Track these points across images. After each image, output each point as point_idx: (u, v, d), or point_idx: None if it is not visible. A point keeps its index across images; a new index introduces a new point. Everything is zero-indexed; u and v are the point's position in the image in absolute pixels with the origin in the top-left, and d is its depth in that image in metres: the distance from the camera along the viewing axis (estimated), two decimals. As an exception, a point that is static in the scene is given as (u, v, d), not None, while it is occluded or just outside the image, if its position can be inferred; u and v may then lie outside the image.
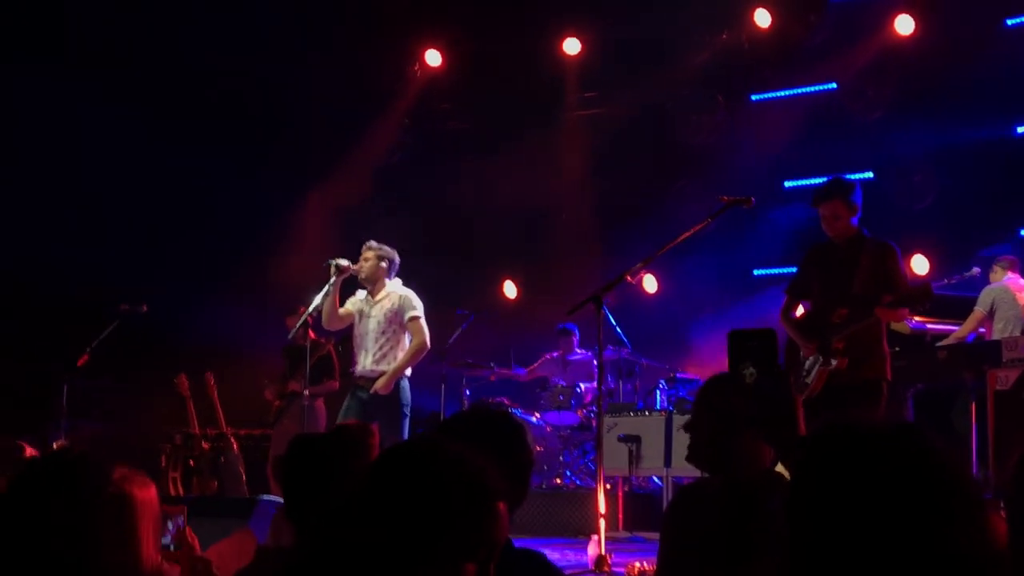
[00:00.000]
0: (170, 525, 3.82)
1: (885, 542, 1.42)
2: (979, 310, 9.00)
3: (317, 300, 8.33)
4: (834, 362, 6.35)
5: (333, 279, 8.27)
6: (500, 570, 2.66)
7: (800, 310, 6.97)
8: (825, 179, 7.13)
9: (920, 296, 6.25)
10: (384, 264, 8.48)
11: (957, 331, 8.45)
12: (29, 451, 4.52)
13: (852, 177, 11.14)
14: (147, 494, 3.46)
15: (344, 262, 8.30)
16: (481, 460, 2.15)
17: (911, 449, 1.49)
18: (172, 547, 3.71)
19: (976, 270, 9.07)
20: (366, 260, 8.47)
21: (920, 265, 10.73)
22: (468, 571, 2.06)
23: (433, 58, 13.14)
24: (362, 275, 8.44)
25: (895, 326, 8.06)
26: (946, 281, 8.99)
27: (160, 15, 11.73)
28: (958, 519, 1.44)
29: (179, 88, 11.89)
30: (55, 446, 8.68)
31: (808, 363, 6.55)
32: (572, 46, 12.70)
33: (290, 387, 9.97)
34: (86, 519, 2.77)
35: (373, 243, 8.60)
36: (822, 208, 6.65)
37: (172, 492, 10.25)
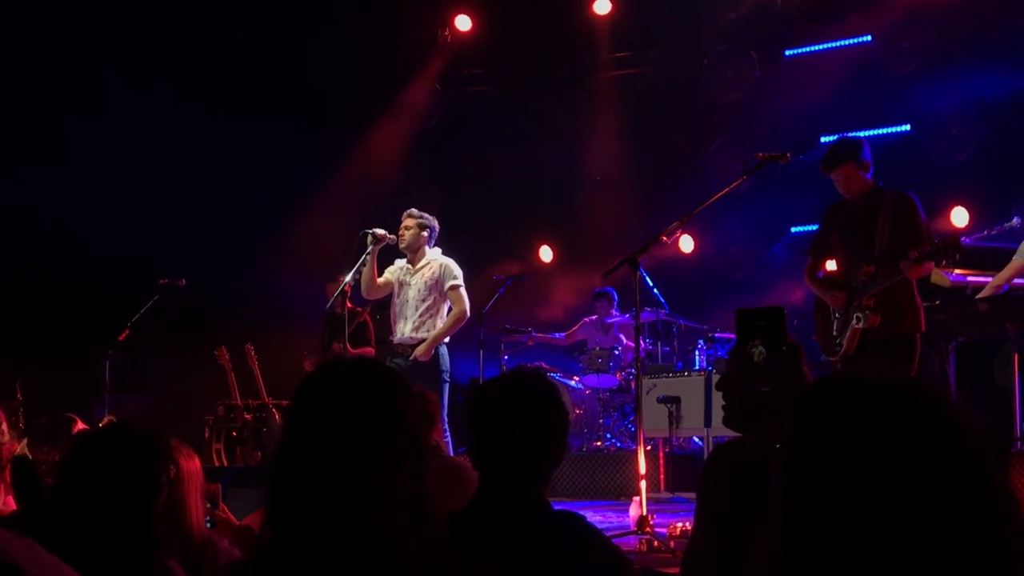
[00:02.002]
0: (208, 503, 3.86)
1: (878, 496, 1.39)
2: (1018, 259, 8.89)
3: (354, 270, 8.35)
4: (863, 321, 6.30)
5: (370, 248, 8.27)
6: (540, 531, 2.68)
7: (832, 265, 6.92)
8: (827, 145, 6.97)
9: (945, 249, 6.16)
10: (425, 233, 8.47)
11: (993, 279, 8.32)
12: (80, 424, 4.56)
13: (889, 131, 11.13)
14: (192, 465, 3.50)
15: (381, 231, 8.29)
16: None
17: (909, 400, 1.45)
18: (209, 526, 3.74)
19: (1016, 220, 8.93)
20: (407, 228, 8.47)
21: (960, 217, 10.61)
22: None
23: (463, 23, 13.07)
24: (403, 244, 8.44)
25: (935, 279, 7.99)
26: (986, 232, 8.87)
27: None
28: (959, 474, 1.40)
29: (212, 59, 11.91)
30: (104, 421, 8.77)
31: (838, 324, 6.51)
32: (603, 6, 12.58)
33: (330, 357, 10.01)
34: (144, 490, 2.81)
35: (414, 211, 8.59)
36: (833, 174, 6.59)
37: (216, 463, 10.36)
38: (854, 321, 6.36)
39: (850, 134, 11.05)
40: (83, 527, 2.67)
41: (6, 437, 4.51)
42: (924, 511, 1.37)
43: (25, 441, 4.14)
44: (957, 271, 8.26)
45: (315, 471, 1.97)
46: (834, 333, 6.54)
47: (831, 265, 6.93)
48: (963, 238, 6.43)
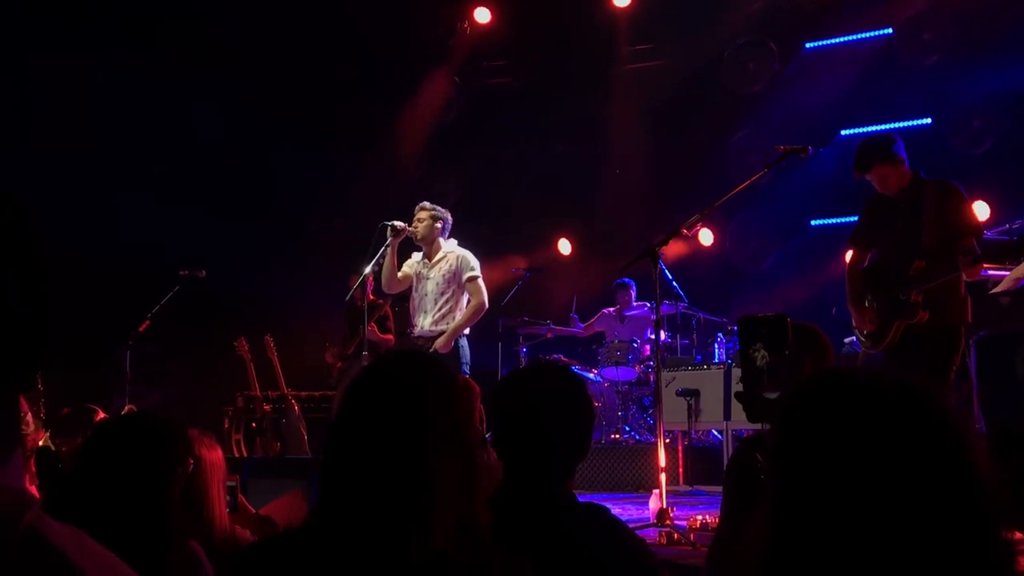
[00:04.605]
0: (228, 496, 3.89)
1: (860, 493, 1.36)
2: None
3: (373, 262, 8.36)
4: (912, 317, 6.15)
5: (389, 240, 8.29)
6: (566, 523, 2.69)
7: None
8: (855, 148, 6.63)
9: (1007, 250, 6.03)
10: (439, 224, 8.49)
11: (1012, 272, 8.24)
12: (101, 415, 4.59)
13: (910, 124, 11.08)
14: (215, 455, 3.52)
15: (400, 224, 8.31)
16: None
17: (892, 398, 1.42)
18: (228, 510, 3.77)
19: (1035, 214, 8.89)
20: (420, 221, 8.48)
21: (981, 210, 10.56)
22: None
23: (482, 15, 13.07)
24: (418, 236, 8.46)
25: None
26: (1007, 226, 8.83)
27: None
28: (944, 472, 1.37)
29: (232, 54, 11.93)
30: (124, 411, 8.80)
31: (877, 317, 6.37)
32: (622, -1, 12.58)
33: (350, 349, 10.03)
34: (160, 479, 2.82)
35: (427, 204, 8.60)
36: (868, 176, 6.46)
37: (236, 454, 10.40)
38: (903, 315, 6.21)
39: (871, 128, 11.08)
40: (99, 512, 2.68)
41: (30, 428, 4.55)
42: (906, 508, 1.35)
43: (48, 432, 4.17)
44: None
45: (361, 464, 1.94)
46: (871, 327, 6.41)
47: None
48: (985, 232, 6.31)
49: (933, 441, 1.39)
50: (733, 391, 9.03)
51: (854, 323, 6.56)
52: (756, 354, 2.90)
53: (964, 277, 6.22)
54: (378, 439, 1.95)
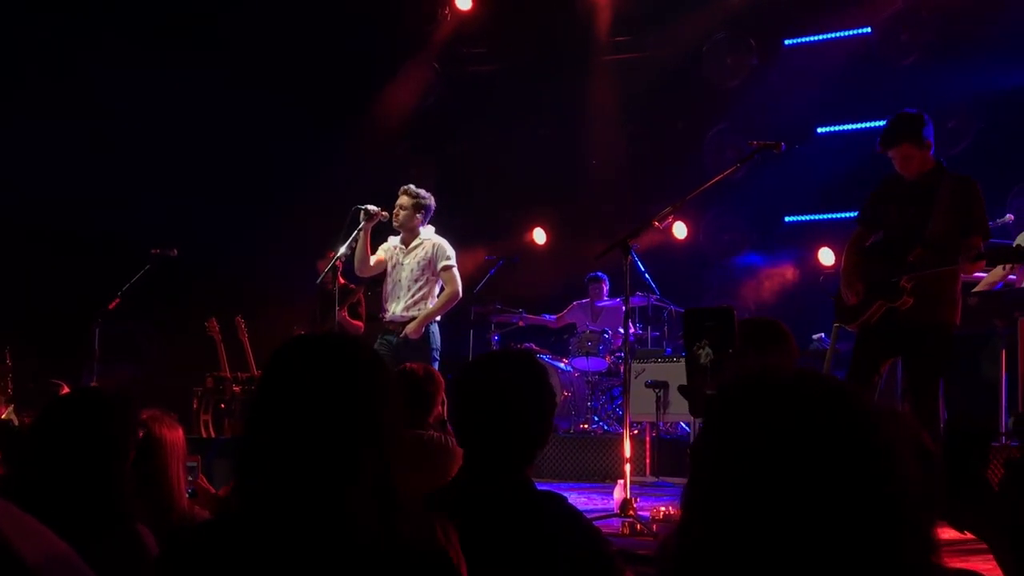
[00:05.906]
0: (189, 476, 3.87)
1: (777, 493, 1.33)
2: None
3: (346, 245, 8.31)
4: (895, 299, 6.10)
5: (362, 224, 8.23)
6: (521, 509, 2.69)
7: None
8: (886, 120, 6.61)
9: (1012, 255, 6.02)
10: (419, 214, 8.40)
11: (987, 277, 8.31)
12: (66, 390, 4.56)
13: (885, 123, 11.09)
14: (175, 435, 3.50)
15: (374, 208, 8.24)
16: None
17: (821, 400, 1.39)
18: (188, 494, 3.76)
19: (1010, 216, 8.95)
20: (403, 208, 8.39)
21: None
22: None
23: (463, 2, 13.03)
24: (396, 222, 8.39)
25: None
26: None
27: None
28: (868, 476, 1.33)
29: (206, 30, 11.86)
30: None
31: (864, 294, 6.28)
32: (603, -11, 12.57)
33: (320, 333, 9.97)
34: (112, 456, 2.80)
35: (411, 188, 8.49)
36: (891, 152, 6.37)
37: (203, 435, 10.37)
38: (888, 298, 6.16)
39: (847, 127, 11.12)
40: (49, 489, 2.67)
41: (-7, 402, 4.52)
42: (819, 511, 1.31)
43: (12, 407, 4.15)
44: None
45: (274, 442, 1.95)
46: (855, 299, 6.33)
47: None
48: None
49: (853, 446, 1.36)
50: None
51: (841, 292, 6.47)
52: (701, 351, 2.90)
53: (961, 273, 6.22)
54: (297, 422, 1.95)
